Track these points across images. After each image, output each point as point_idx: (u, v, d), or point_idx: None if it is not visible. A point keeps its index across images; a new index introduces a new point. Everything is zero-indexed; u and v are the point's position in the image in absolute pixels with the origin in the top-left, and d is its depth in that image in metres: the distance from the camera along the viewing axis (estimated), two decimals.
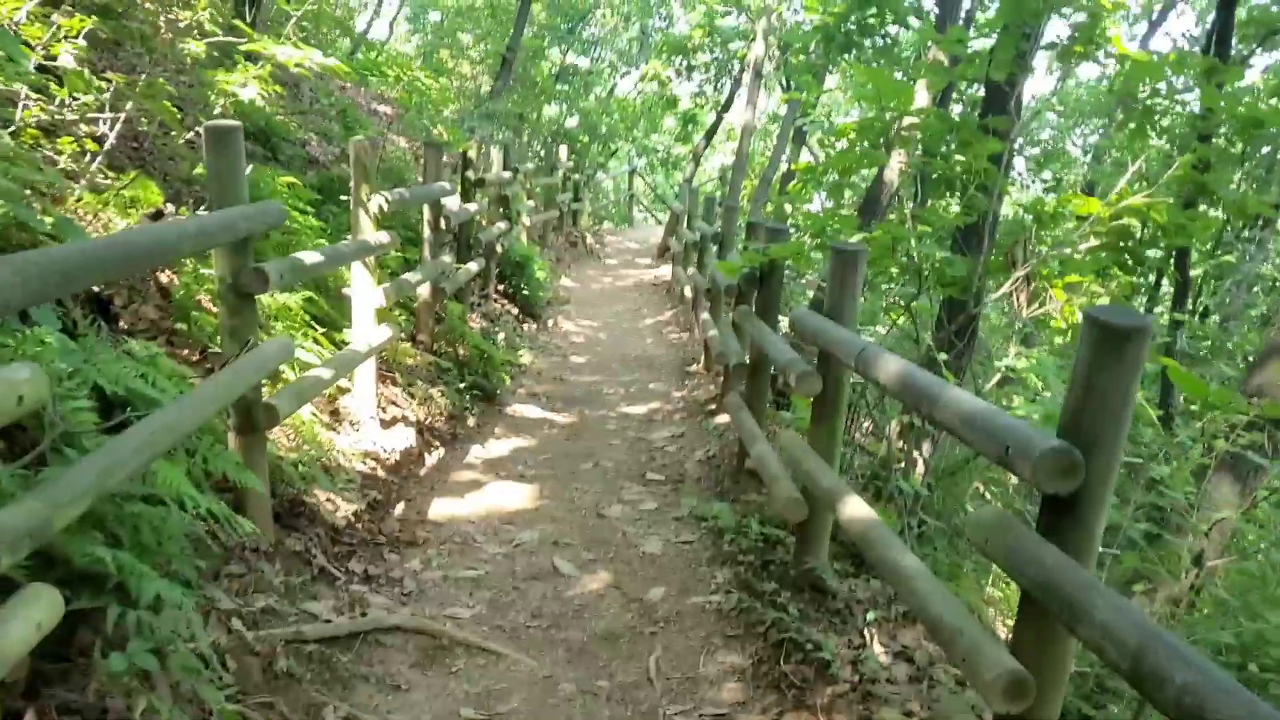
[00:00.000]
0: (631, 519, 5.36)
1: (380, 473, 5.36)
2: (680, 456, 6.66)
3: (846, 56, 11.20)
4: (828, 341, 3.65)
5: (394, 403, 6.34)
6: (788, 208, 16.86)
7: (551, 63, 22.69)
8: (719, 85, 18.14)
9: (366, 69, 9.25)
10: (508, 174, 10.69)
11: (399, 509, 5.15)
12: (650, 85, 23.26)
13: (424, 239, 7.27)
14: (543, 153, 17.50)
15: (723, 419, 7.50)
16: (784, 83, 16.84)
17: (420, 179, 8.29)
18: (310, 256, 4.09)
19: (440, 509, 5.30)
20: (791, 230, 5.74)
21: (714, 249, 11.21)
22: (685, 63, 17.47)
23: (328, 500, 4.64)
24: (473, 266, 8.87)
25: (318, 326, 5.71)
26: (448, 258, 7.48)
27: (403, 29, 26.60)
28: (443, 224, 7.26)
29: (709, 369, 9.40)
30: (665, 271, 16.53)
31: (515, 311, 11.08)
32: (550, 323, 11.67)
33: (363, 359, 5.19)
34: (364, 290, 5.46)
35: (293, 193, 6.51)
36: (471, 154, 8.94)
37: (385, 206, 5.33)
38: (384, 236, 5.33)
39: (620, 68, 27.06)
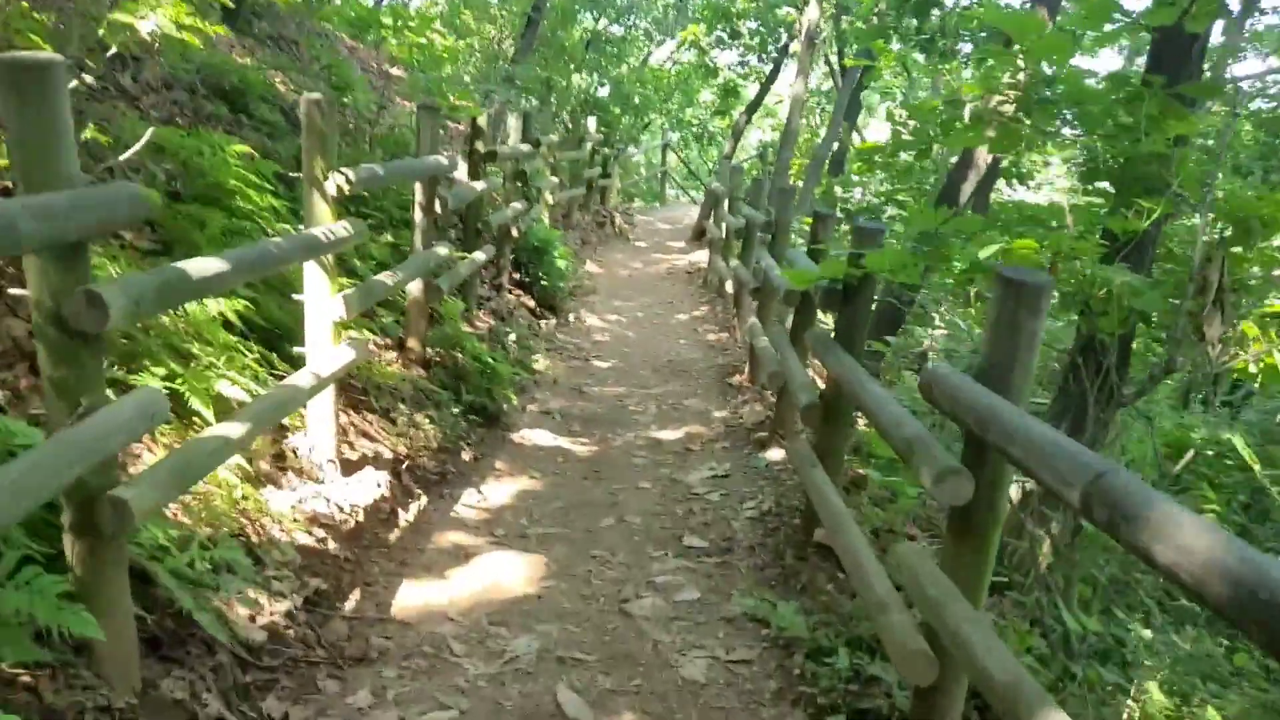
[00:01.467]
0: (666, 618, 3.98)
1: (331, 544, 4.01)
2: (726, 510, 5.28)
3: (916, 21, 9.73)
4: (1006, 434, 2.23)
5: (366, 434, 4.99)
6: (839, 190, 15.41)
7: (584, 29, 21.21)
8: (764, 54, 16.63)
9: (356, 21, 7.86)
10: (526, 146, 9.31)
11: (352, 600, 3.80)
12: (687, 54, 21.75)
13: (415, 224, 5.91)
14: (570, 124, 16.07)
15: (776, 454, 6.12)
16: (838, 53, 15.32)
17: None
18: (201, 266, 2.73)
19: (410, 597, 3.95)
20: (883, 229, 4.32)
21: (761, 239, 9.82)
22: (727, 29, 15.96)
23: (242, 602, 3.30)
24: (480, 255, 7.51)
25: (254, 348, 4.36)
26: (443, 249, 6.11)
27: None
28: (438, 206, 5.88)
29: (754, 381, 8.01)
30: (700, 257, 15.11)
31: (532, 304, 9.71)
32: (572, 317, 10.30)
33: (306, 396, 3.84)
34: (318, 299, 4.11)
35: (247, 165, 5.17)
36: (481, 122, 7.56)
37: (346, 186, 3.96)
38: (342, 228, 3.96)
39: (655, 35, 25.51)
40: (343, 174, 3.92)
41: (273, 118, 7.33)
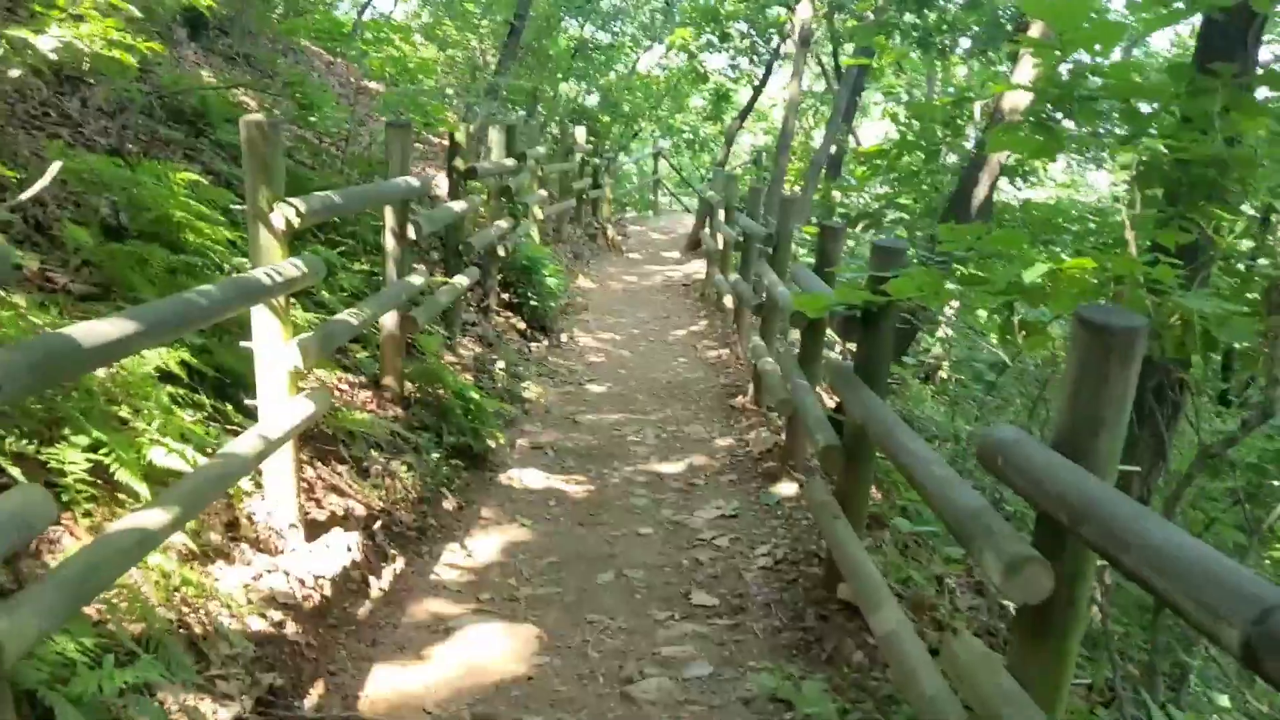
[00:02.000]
0: (674, 701, 3.48)
1: (291, 628, 3.50)
2: (736, 557, 4.79)
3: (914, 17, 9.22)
4: (1113, 537, 1.72)
5: (335, 489, 4.49)
6: (836, 195, 14.92)
7: (569, 36, 20.74)
8: (755, 58, 16.15)
9: (324, 33, 7.35)
10: (511, 161, 8.83)
11: (314, 695, 3.30)
12: (676, 59, 21.27)
13: (387, 253, 5.41)
14: (558, 135, 15.59)
15: (787, 488, 5.64)
16: (832, 53, 14.83)
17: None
18: (97, 331, 2.22)
19: (382, 685, 3.46)
20: (901, 248, 3.82)
21: (761, 252, 9.37)
22: (717, 32, 15.49)
23: (183, 716, 2.80)
24: (462, 280, 7.02)
25: (206, 401, 3.88)
26: (419, 278, 5.62)
27: (411, 3, 24.67)
28: (411, 231, 5.39)
29: (759, 403, 7.53)
30: (696, 268, 14.64)
31: (522, 326, 9.23)
32: (564, 337, 9.81)
33: (253, 463, 3.33)
34: (269, 347, 3.62)
35: (198, 195, 4.69)
36: (460, 137, 7.07)
37: (296, 219, 3.46)
38: (292, 266, 3.46)
39: (643, 41, 25.06)
40: (291, 205, 3.43)
41: (238, 140, 6.85)
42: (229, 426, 4.00)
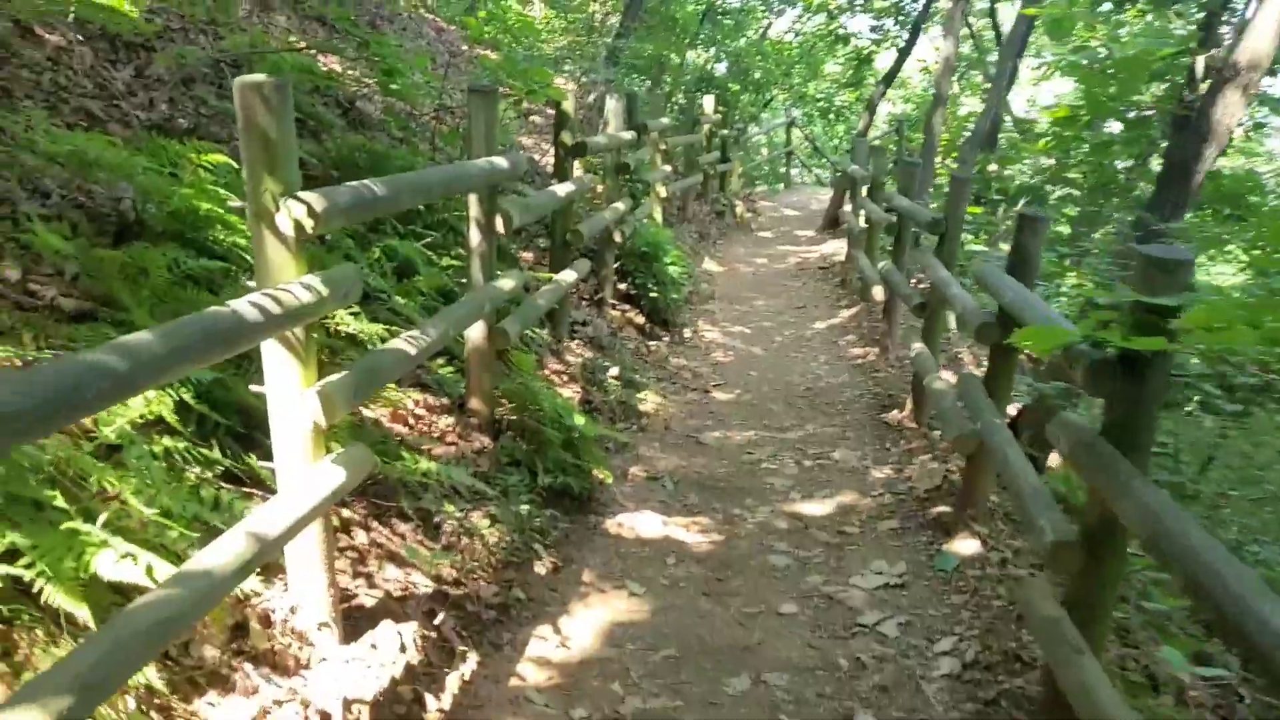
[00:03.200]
0: None
1: None
2: (910, 656, 3.64)
3: None
4: None
5: (392, 557, 3.51)
6: (992, 168, 13.40)
7: (696, 1, 19.50)
8: (900, 18, 14.65)
9: None
10: (630, 134, 7.75)
11: None
12: (811, 22, 19.84)
13: (470, 250, 4.41)
14: (683, 104, 14.46)
15: (966, 546, 4.46)
16: (990, 10, 13.25)
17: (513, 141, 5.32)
18: None
19: None
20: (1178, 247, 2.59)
21: (918, 237, 8.12)
22: None
23: None
24: (568, 275, 5.99)
25: (216, 458, 2.93)
26: (510, 280, 4.60)
27: None
28: (500, 224, 4.37)
29: (918, 420, 6.33)
30: (833, 248, 13.36)
31: (640, 321, 8.19)
32: (688, 332, 8.73)
33: (243, 574, 2.34)
34: (283, 394, 2.63)
35: (223, 179, 3.76)
36: (567, 107, 6.02)
37: (309, 221, 2.45)
38: (302, 289, 2.46)
39: (775, 4, 23.59)
40: (301, 202, 2.42)
41: (318, 113, 5.95)
42: (248, 490, 3.05)
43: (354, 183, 2.79)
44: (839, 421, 6.64)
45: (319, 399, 2.59)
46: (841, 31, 15.84)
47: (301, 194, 2.45)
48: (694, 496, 5.18)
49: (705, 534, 4.71)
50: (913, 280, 8.26)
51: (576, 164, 6.77)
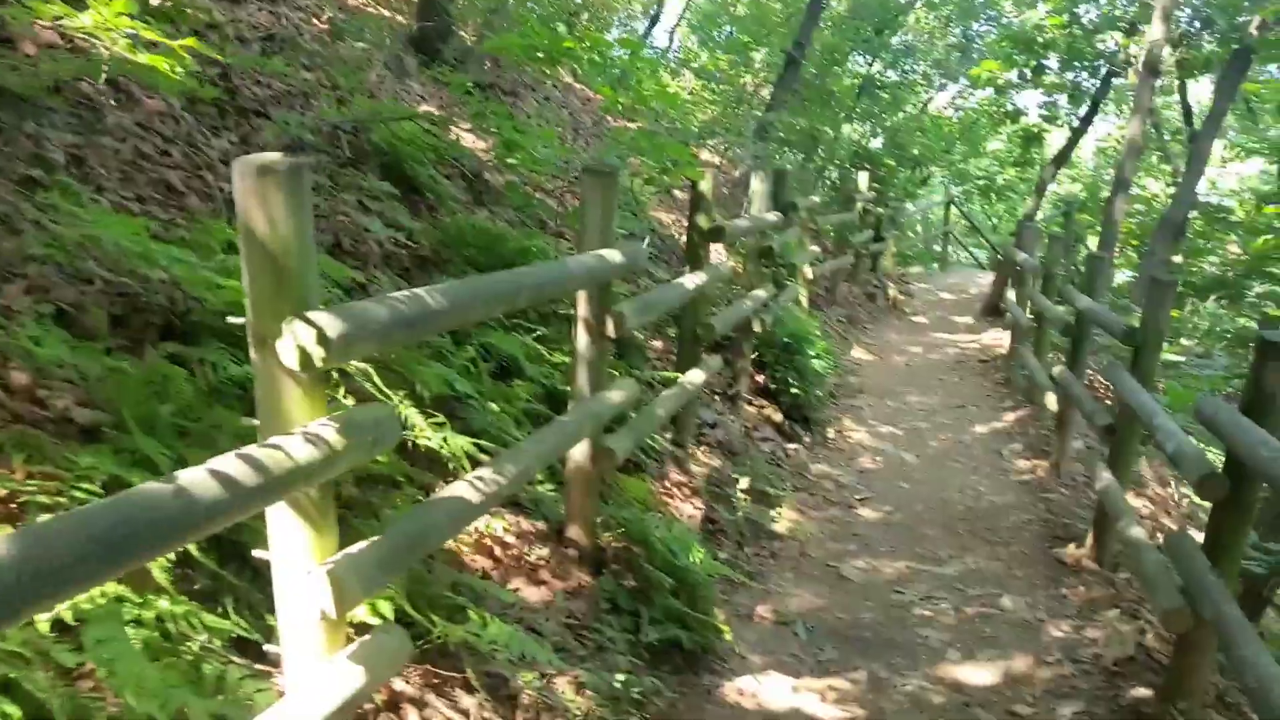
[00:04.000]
0: None
1: None
2: None
3: None
4: None
5: None
6: (1176, 258, 12.16)
7: (853, 74, 18.81)
8: (1075, 93, 13.59)
9: (537, 52, 5.76)
10: (774, 215, 7.07)
11: None
12: (973, 98, 18.84)
13: (577, 355, 3.76)
14: (837, 179, 13.73)
15: None
16: (1180, 86, 12.12)
17: (622, 232, 4.75)
18: None
19: None
20: None
21: (1101, 345, 7.15)
22: (1030, 65, 13.09)
23: None
24: (696, 376, 5.30)
25: (223, 625, 2.32)
26: (620, 392, 3.92)
27: (691, 40, 23.45)
28: (611, 326, 3.71)
29: (1099, 560, 5.38)
30: (993, 338, 12.32)
31: (779, 419, 7.42)
32: (831, 432, 7.91)
33: None
34: (290, 567, 2.00)
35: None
36: (705, 187, 5.38)
37: (318, 352, 1.83)
38: (306, 441, 1.83)
39: (936, 80, 22.72)
40: (310, 325, 1.80)
41: (436, 184, 5.47)
42: (260, 667, 2.43)
43: (401, 293, 2.16)
44: (1004, 554, 5.71)
45: (330, 583, 1.94)
46: (1010, 107, 14.82)
47: (312, 314, 1.83)
48: (831, 650, 4.36)
49: (843, 704, 3.89)
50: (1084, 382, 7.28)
51: (716, 247, 6.11)
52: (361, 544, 2.09)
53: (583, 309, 3.67)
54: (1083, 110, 13.78)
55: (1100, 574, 5.31)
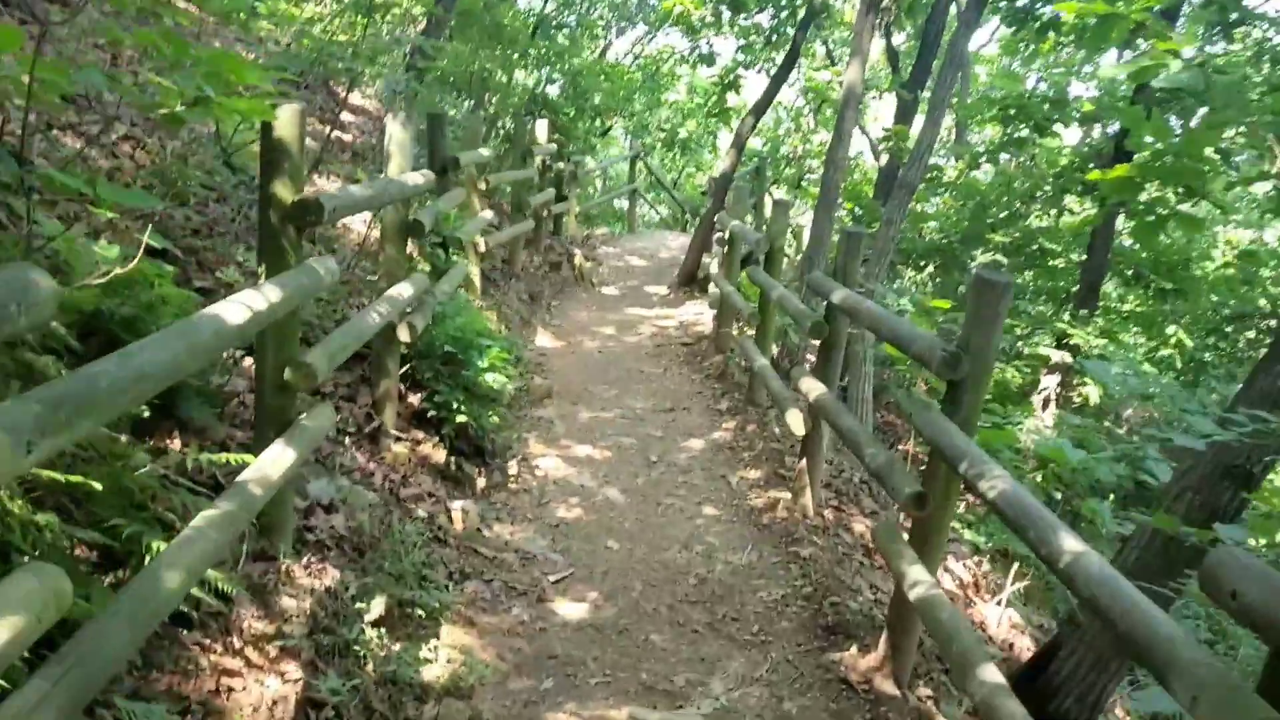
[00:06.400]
0: None
1: None
2: None
3: None
4: None
5: None
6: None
7: (524, 11, 16.73)
8: (776, 35, 12.25)
9: None
10: (422, 176, 4.94)
11: None
12: (656, 42, 17.36)
13: None
14: (511, 130, 11.68)
15: None
16: (884, 28, 11.01)
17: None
18: None
19: None
20: None
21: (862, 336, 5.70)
22: (728, 2, 11.54)
23: None
24: (280, 458, 3.07)
25: None
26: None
27: None
28: None
29: (898, 679, 3.76)
30: (693, 314, 10.81)
31: (442, 457, 5.33)
32: (513, 466, 5.92)
33: None
34: None
35: None
36: (284, 133, 3.09)
37: None
38: None
39: (615, 24, 21.13)
40: None
41: None
42: None
43: None
44: (764, 668, 3.97)
45: None
46: (708, 49, 13.33)
47: None
48: None
49: None
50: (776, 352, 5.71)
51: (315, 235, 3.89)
52: None
53: None
54: (779, 56, 12.47)
55: (903, 703, 3.66)
